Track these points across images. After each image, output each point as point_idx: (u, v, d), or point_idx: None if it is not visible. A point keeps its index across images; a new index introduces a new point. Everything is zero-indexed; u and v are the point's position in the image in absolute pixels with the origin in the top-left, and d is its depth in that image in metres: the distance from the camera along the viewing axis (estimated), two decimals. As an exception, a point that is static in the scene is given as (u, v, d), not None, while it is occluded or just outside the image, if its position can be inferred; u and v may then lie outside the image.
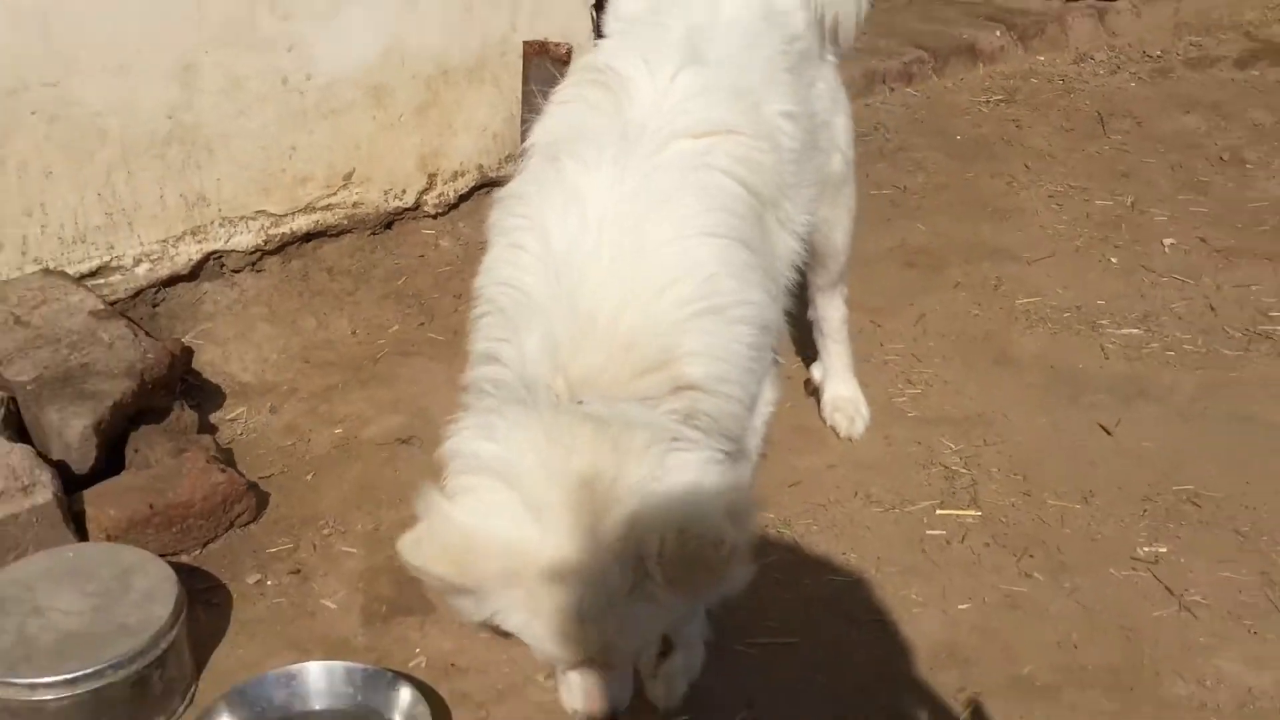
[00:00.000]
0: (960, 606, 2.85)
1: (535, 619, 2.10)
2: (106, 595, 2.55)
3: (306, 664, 2.59)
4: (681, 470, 2.10)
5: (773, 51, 2.66)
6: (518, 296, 2.23)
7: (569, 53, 4.21)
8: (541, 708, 2.61)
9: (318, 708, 2.55)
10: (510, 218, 2.35)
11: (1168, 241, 4.39)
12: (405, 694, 2.52)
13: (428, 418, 3.49)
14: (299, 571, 2.97)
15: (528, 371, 2.18)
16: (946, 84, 5.73)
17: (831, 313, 3.45)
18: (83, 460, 3.02)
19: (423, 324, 3.90)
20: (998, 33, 5.97)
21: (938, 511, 3.14)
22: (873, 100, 5.48)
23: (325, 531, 3.10)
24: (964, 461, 3.31)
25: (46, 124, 3.48)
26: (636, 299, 2.16)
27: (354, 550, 3.03)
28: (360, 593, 2.91)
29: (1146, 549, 3.01)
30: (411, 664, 2.71)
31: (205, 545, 3.02)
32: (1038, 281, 4.15)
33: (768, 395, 2.53)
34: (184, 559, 2.96)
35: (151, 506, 2.92)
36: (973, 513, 3.13)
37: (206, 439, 3.21)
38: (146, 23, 3.57)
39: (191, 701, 2.61)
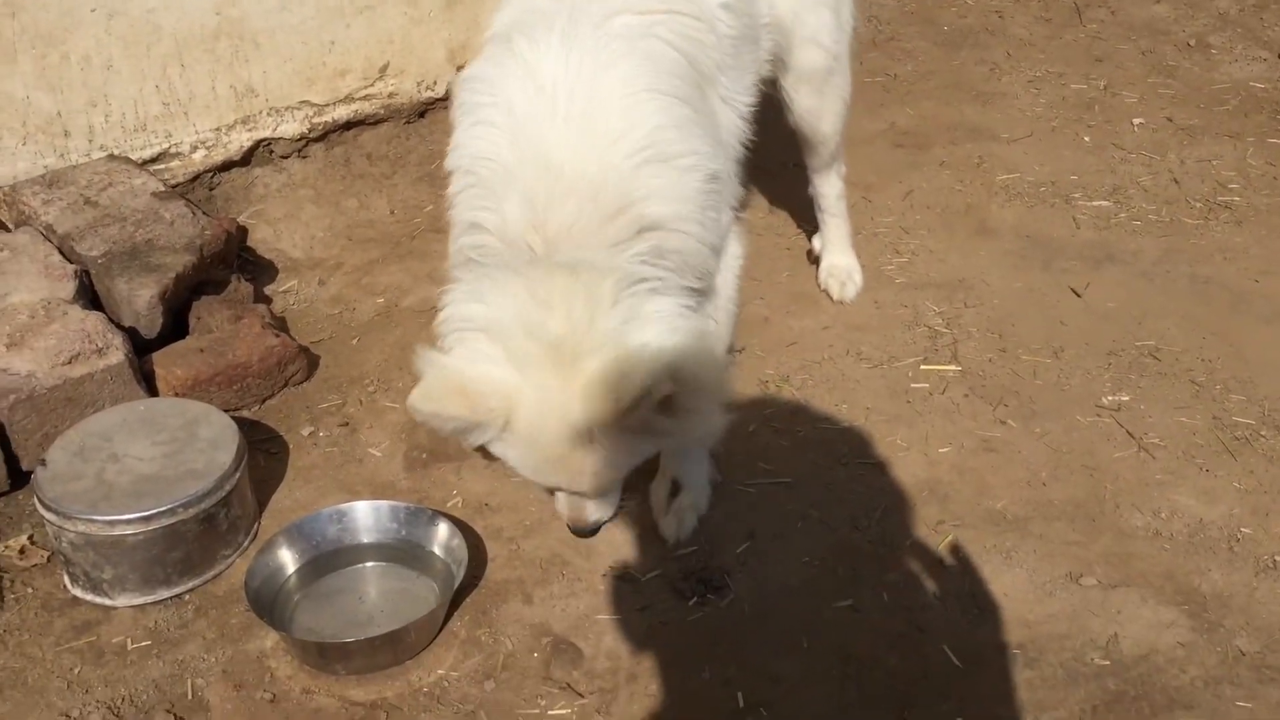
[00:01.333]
0: (941, 450, 2.85)
1: (517, 454, 2.16)
2: (175, 443, 2.57)
3: (355, 503, 2.61)
4: (641, 321, 2.09)
5: None
6: (494, 166, 2.19)
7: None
8: (564, 541, 2.62)
9: (366, 541, 2.58)
10: (474, 96, 2.29)
11: (1137, 121, 4.28)
12: (443, 528, 2.54)
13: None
14: (347, 424, 2.98)
15: (509, 233, 2.16)
16: (935, -22, 5.55)
17: (827, 189, 3.39)
18: (150, 326, 3.02)
19: (454, 204, 3.84)
20: (983, -70, 5.75)
21: (922, 367, 3.11)
22: (866, -6, 5.32)
23: (370, 389, 3.10)
24: (946, 322, 3.27)
25: (105, 20, 3.40)
26: (592, 151, 2.13)
27: (396, 405, 3.03)
28: (402, 442, 2.92)
29: (1110, 398, 2.99)
30: (449, 504, 2.73)
31: (264, 401, 3.03)
32: (1016, 159, 4.06)
33: (734, 249, 2.52)
34: (245, 414, 2.98)
35: (214, 366, 2.93)
36: (953, 367, 3.11)
37: (261, 308, 3.20)
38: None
39: (255, 537, 2.64)
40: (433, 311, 3.31)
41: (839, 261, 3.43)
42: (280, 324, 3.24)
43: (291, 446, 2.91)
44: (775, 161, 3.92)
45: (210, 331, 3.08)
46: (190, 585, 2.50)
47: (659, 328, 2.10)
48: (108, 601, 2.46)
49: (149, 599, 2.47)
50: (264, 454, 2.87)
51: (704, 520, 2.67)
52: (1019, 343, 3.18)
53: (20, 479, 2.72)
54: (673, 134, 2.19)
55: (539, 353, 2.06)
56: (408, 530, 2.57)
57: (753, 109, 2.64)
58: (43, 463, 2.52)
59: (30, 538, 2.61)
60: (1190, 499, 2.69)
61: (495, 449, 2.20)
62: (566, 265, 2.09)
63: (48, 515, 2.43)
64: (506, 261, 2.16)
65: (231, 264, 3.32)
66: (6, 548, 2.56)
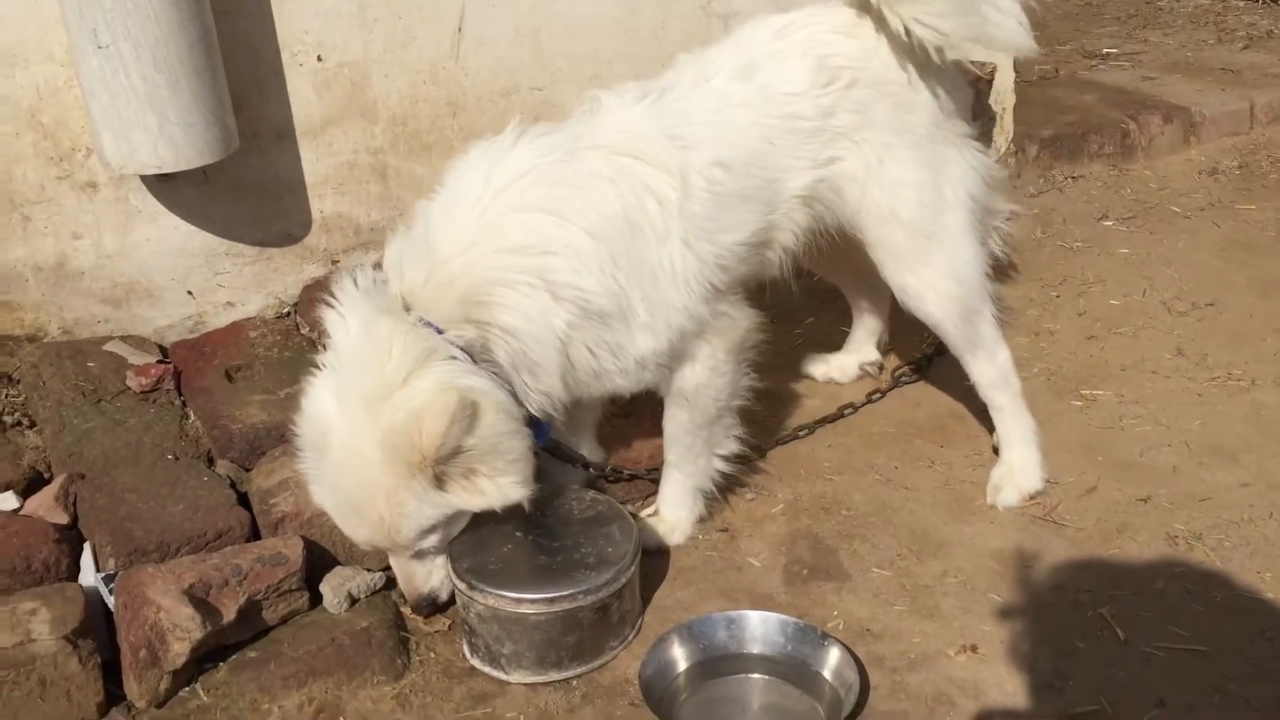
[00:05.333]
0: (1386, 639, 2.57)
1: (325, 496, 2.46)
2: (580, 534, 2.68)
3: (745, 611, 2.62)
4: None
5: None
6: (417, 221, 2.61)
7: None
8: (953, 681, 2.53)
9: (754, 651, 2.57)
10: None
11: None
12: (835, 652, 2.51)
13: (839, 399, 3.48)
14: (727, 530, 3.02)
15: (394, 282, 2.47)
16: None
17: (977, 375, 3.06)
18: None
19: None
20: None
21: (1362, 543, 2.84)
22: None
23: (749, 498, 3.14)
24: (1391, 497, 2.98)
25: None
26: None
27: (777, 515, 3.05)
28: (782, 554, 2.92)
29: None
30: (829, 624, 2.70)
31: (647, 499, 3.12)
32: None
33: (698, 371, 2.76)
34: (630, 509, 3.07)
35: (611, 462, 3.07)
36: (1401, 548, 2.81)
37: (650, 405, 3.32)
38: (618, 40, 3.72)
39: (639, 631, 2.70)
40: (815, 423, 3.36)
41: (1004, 459, 3.11)
42: (663, 423, 3.35)
43: (673, 548, 2.98)
44: (1188, 302, 3.75)
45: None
46: (579, 671, 2.58)
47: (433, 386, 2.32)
48: (503, 676, 2.57)
49: (540, 679, 2.56)
50: (647, 552, 2.94)
51: (1107, 680, 2.51)
52: None
53: (427, 546, 2.91)
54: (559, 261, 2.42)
55: (360, 394, 2.34)
56: (794, 646, 2.55)
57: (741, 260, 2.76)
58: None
59: (435, 603, 2.77)
60: None
61: (317, 500, 2.48)
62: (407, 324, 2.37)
63: (460, 585, 2.57)
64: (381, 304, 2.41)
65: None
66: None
